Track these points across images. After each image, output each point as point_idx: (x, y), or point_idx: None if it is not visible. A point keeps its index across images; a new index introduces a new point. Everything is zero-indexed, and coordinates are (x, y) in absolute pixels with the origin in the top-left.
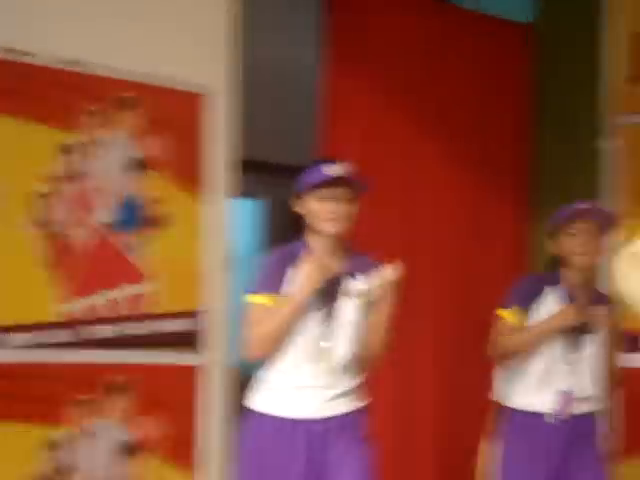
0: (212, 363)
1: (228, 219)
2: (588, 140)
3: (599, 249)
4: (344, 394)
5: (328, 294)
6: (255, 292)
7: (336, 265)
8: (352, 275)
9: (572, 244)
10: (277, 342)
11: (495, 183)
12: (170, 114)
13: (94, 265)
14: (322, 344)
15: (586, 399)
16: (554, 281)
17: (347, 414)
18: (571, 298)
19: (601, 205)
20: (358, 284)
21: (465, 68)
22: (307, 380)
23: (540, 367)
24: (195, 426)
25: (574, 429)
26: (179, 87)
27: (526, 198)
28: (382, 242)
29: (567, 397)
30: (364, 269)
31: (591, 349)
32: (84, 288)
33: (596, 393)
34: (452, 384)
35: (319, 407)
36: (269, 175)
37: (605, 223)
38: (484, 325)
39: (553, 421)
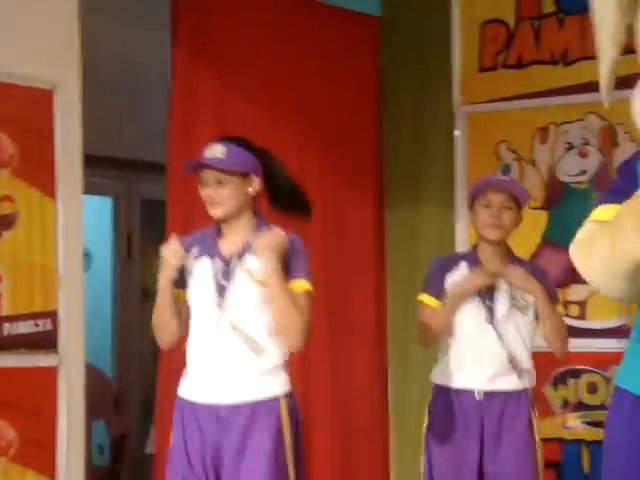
0: (70, 363)
1: (80, 217)
2: (441, 129)
3: (511, 222)
4: None
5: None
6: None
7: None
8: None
9: (484, 215)
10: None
11: (352, 174)
12: (16, 111)
13: None
14: None
15: (513, 376)
16: (468, 256)
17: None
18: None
19: (513, 180)
20: None
21: (318, 60)
22: None
23: (467, 345)
24: (55, 429)
25: (503, 406)
26: (24, 83)
27: (382, 188)
28: None
29: (493, 375)
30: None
31: (512, 319)
32: None
33: (524, 369)
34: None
35: None
36: (115, 170)
37: (517, 197)
38: (349, 321)
39: (481, 398)
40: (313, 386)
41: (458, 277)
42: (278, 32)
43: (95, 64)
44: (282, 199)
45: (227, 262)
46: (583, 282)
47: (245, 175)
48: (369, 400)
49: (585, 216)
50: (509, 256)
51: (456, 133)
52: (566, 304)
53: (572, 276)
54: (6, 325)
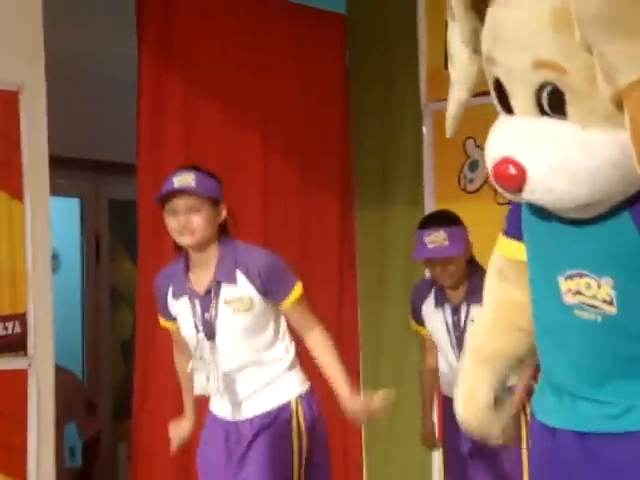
0: (40, 366)
1: (48, 219)
2: (408, 126)
3: (458, 271)
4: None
5: None
6: None
7: None
8: None
9: (434, 272)
10: None
11: (319, 173)
12: None
13: None
14: None
15: None
16: (433, 283)
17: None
18: (443, 301)
19: (443, 238)
20: None
21: (283, 59)
22: None
23: (444, 361)
24: (26, 432)
25: None
26: None
27: (351, 187)
28: None
29: None
30: None
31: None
32: None
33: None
34: None
35: None
36: (83, 171)
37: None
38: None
39: None
40: None
41: (427, 307)
42: (244, 31)
43: (61, 65)
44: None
45: (204, 297)
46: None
47: (216, 202)
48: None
49: None
50: (472, 282)
51: (424, 130)
52: None
53: None
54: None
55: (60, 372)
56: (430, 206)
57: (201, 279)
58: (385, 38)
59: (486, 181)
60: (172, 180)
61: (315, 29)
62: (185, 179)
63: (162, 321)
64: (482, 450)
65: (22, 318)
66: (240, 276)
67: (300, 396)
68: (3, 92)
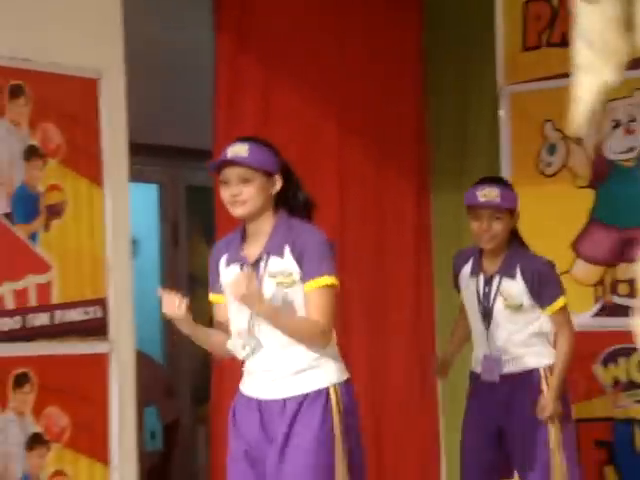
0: (121, 350)
1: (127, 204)
2: (485, 110)
3: (503, 228)
4: None
5: None
6: None
7: None
8: None
9: (474, 227)
10: None
11: (395, 157)
12: (62, 101)
13: None
14: None
15: (514, 359)
16: (474, 253)
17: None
18: (478, 270)
19: (500, 188)
20: None
21: (360, 42)
22: None
23: (473, 332)
24: (108, 415)
25: (510, 387)
26: (71, 72)
27: (425, 170)
28: None
29: (489, 360)
30: None
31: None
32: None
33: (525, 352)
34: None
35: None
36: (162, 158)
37: (505, 208)
38: (394, 302)
39: (487, 379)
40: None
41: (464, 274)
42: (321, 15)
43: (139, 51)
44: (297, 209)
45: (254, 266)
46: (632, 260)
47: (269, 174)
48: (411, 387)
49: (632, 194)
50: (509, 256)
51: (500, 113)
52: (615, 283)
53: (621, 255)
54: (57, 313)
55: (140, 357)
56: None
57: (254, 249)
58: (462, 19)
59: (565, 165)
60: (226, 151)
61: (392, 11)
62: (239, 150)
63: (211, 296)
64: (507, 430)
65: (103, 303)
66: (287, 250)
67: (339, 384)
68: (83, 79)
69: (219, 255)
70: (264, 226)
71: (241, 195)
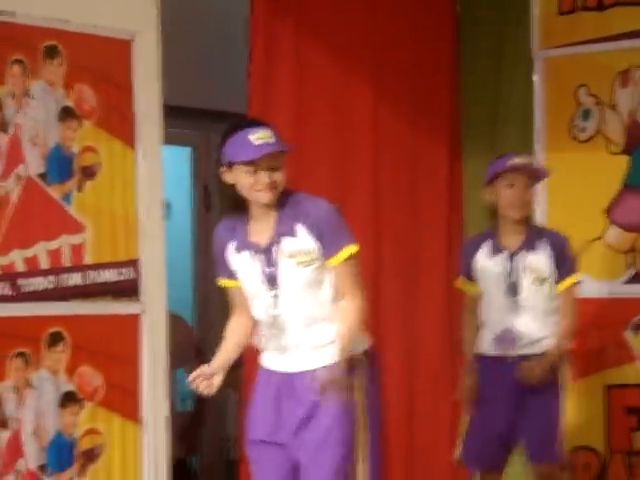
0: (153, 311)
1: (160, 167)
2: (519, 74)
3: (531, 199)
4: None
5: None
6: None
7: None
8: None
9: (508, 195)
10: None
11: (428, 123)
12: (96, 62)
13: (31, 217)
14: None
15: (533, 341)
16: (488, 235)
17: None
18: (500, 248)
19: (533, 160)
20: None
21: (395, 7)
22: None
23: (491, 315)
24: (139, 375)
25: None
26: (103, 34)
27: (459, 136)
28: (318, 184)
29: (510, 333)
30: None
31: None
32: (22, 240)
33: (543, 334)
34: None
35: None
36: (195, 121)
37: (536, 176)
38: (427, 262)
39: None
40: (385, 339)
41: (481, 256)
42: None
43: (174, 13)
44: None
45: (266, 251)
46: None
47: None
48: (442, 356)
49: None
50: (530, 230)
51: (535, 78)
52: None
53: None
54: (90, 273)
55: (171, 318)
56: (540, 156)
57: (263, 232)
58: None
59: (599, 130)
60: (249, 139)
61: None
62: (264, 136)
63: (222, 281)
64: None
65: (135, 264)
66: (300, 228)
67: (363, 353)
68: (117, 40)
69: (225, 240)
70: (271, 208)
71: (274, 181)
